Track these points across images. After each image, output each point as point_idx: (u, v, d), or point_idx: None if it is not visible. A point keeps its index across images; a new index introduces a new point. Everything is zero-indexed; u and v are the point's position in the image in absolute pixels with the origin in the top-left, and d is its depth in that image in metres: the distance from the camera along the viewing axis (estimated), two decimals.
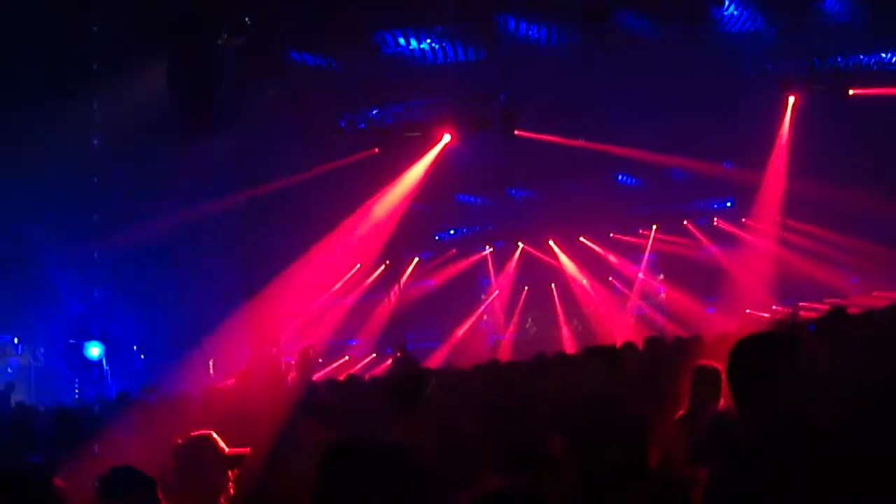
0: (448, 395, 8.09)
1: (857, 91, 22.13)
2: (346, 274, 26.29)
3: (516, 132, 21.60)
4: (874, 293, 24.58)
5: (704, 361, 6.77)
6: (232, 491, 5.29)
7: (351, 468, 3.14)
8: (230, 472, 5.29)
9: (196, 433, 5.55)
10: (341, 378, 12.94)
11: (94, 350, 20.56)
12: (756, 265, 26.67)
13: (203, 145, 18.43)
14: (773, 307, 25.25)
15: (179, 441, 5.48)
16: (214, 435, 5.50)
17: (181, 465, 5.27)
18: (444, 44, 19.53)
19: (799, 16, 20.37)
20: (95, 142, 18.39)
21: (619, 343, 11.52)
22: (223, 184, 19.85)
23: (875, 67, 22.23)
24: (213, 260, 20.16)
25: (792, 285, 26.78)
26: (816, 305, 22.18)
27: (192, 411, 8.71)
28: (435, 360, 23.52)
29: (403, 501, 3.05)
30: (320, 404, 6.91)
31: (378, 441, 3.58)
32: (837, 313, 9.48)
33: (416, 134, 22.31)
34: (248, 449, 5.46)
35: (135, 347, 21.54)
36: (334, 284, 25.89)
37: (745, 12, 19.91)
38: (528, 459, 4.72)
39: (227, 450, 5.41)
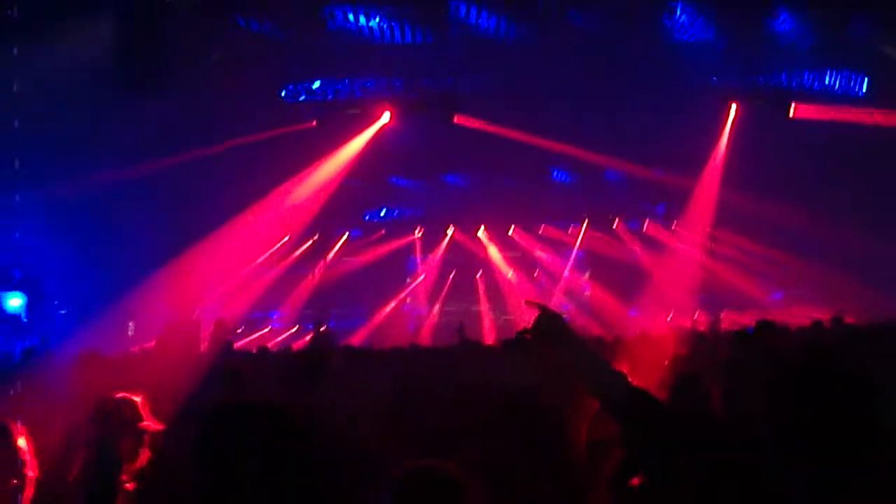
0: (362, 373, 8.08)
1: (799, 111, 22.40)
2: (273, 245, 26.11)
3: (456, 119, 21.59)
4: (794, 309, 24.94)
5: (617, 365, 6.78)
6: (139, 462, 5.24)
7: (229, 425, 3.04)
8: (142, 442, 5.26)
9: (122, 394, 5.49)
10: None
11: (14, 301, 20.20)
12: (682, 272, 26.90)
13: (142, 104, 18.20)
14: (696, 314, 25.53)
15: (105, 398, 5.41)
16: (138, 399, 5.46)
17: (99, 422, 5.20)
18: (392, 23, 19.42)
19: (748, 32, 20.58)
20: (15, 88, 17.95)
21: None
22: (159, 144, 19.58)
23: (817, 89, 22.53)
24: (143, 219, 19.90)
25: (716, 294, 27.12)
26: (737, 317, 22.48)
27: (105, 372, 8.57)
28: (356, 339, 23.46)
29: (283, 459, 2.95)
30: (231, 374, 6.82)
31: (260, 400, 3.49)
32: (764, 326, 9.60)
33: (356, 111, 22.21)
34: (162, 426, 5.42)
35: (56, 301, 21.21)
36: (261, 254, 25.70)
37: (696, 23, 20.06)
38: (439, 446, 4.67)
39: (145, 419, 5.37)
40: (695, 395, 5.23)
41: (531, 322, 4.15)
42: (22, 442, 4.91)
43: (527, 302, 4.56)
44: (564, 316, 4.13)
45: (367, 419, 5.65)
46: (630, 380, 4.51)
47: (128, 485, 5.04)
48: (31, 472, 4.87)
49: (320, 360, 6.39)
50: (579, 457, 4.91)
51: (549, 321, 4.00)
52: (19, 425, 4.96)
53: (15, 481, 4.76)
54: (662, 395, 5.29)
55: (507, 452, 4.03)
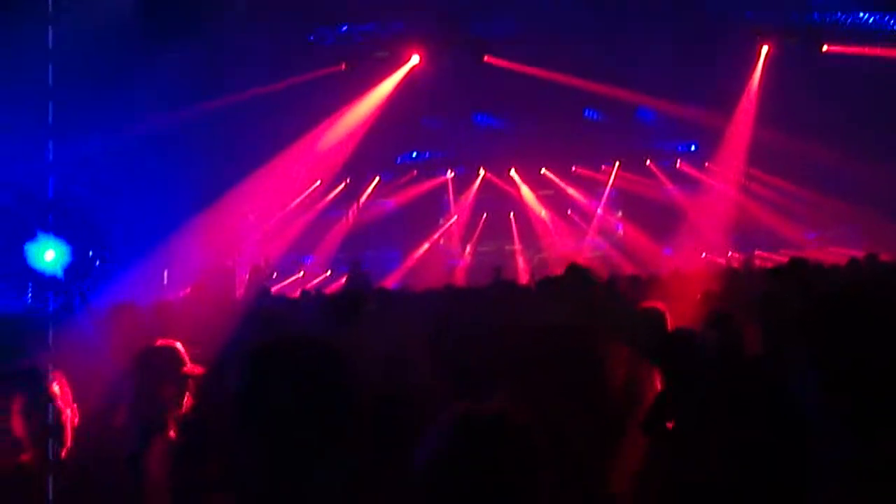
0: (398, 315, 8.12)
1: (832, 48, 22.16)
2: (305, 190, 26.17)
3: (486, 58, 21.49)
4: (830, 249, 24.83)
5: (651, 303, 6.79)
6: (183, 408, 5.30)
7: (273, 360, 3.00)
8: (185, 388, 5.31)
9: (162, 342, 5.54)
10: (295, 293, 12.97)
11: (49, 254, 20.33)
12: (715, 211, 26.79)
13: (171, 52, 18.20)
14: (730, 253, 25.47)
15: (146, 346, 5.47)
16: (179, 346, 5.50)
17: (141, 371, 5.25)
18: None
19: None
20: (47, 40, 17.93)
21: None
22: (187, 93, 19.59)
23: (851, 26, 22.24)
24: (175, 168, 19.96)
25: (749, 233, 27.03)
26: (772, 255, 22.39)
27: (142, 321, 8.65)
28: (390, 281, 23.57)
29: (332, 395, 2.94)
30: (269, 317, 6.86)
31: (304, 336, 3.48)
32: (798, 262, 9.57)
33: (385, 53, 22.12)
34: (203, 369, 5.46)
35: (91, 252, 21.35)
36: (293, 199, 25.78)
37: None
38: (476, 386, 4.70)
39: (187, 365, 5.42)
40: (727, 331, 5.23)
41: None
42: (56, 388, 4.94)
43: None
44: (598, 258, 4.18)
45: (405, 359, 5.69)
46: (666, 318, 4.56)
47: (171, 432, 5.11)
48: (66, 418, 4.90)
49: (356, 302, 6.42)
50: (615, 398, 4.93)
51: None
52: (55, 371, 5.00)
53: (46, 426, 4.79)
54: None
55: (543, 392, 4.04)
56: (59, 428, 4.83)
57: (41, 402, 4.81)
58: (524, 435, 2.85)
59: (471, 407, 2.91)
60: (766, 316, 4.42)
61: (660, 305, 6.36)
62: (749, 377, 2.89)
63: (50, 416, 4.83)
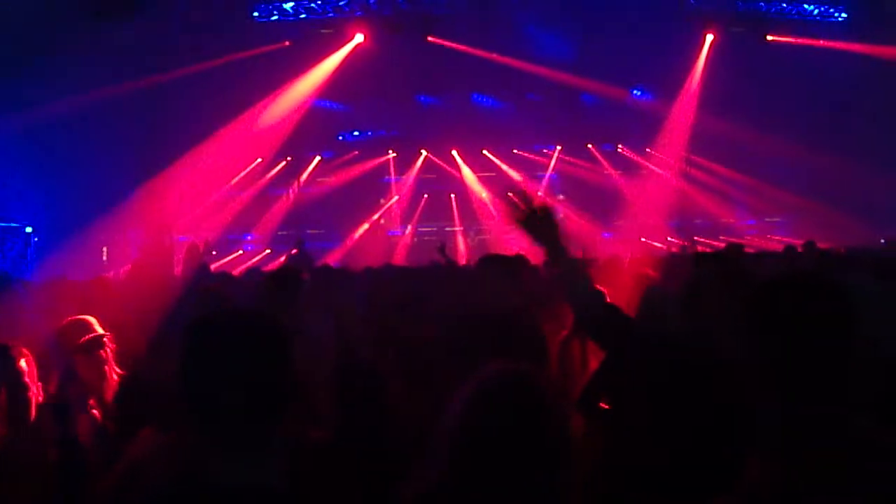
0: (339, 292, 8.11)
1: (775, 38, 22.39)
2: (246, 167, 25.99)
3: (430, 38, 21.47)
4: (769, 236, 25.12)
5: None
6: (114, 377, 5.26)
7: (213, 336, 2.97)
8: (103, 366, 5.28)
9: (74, 317, 5.50)
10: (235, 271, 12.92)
11: None
12: (655, 196, 26.99)
13: (114, 27, 18.02)
14: (669, 238, 25.67)
15: (61, 324, 5.43)
16: (90, 319, 5.46)
17: (58, 348, 5.21)
18: None
19: None
20: None
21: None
22: (131, 67, 19.40)
23: (796, 17, 22.47)
24: (115, 143, 19.76)
25: (691, 220, 27.27)
26: (712, 242, 22.60)
27: (76, 297, 8.57)
28: (330, 260, 23.48)
29: (271, 368, 2.94)
30: (208, 295, 6.83)
31: (245, 311, 3.49)
32: (735, 248, 9.67)
33: (330, 31, 22.02)
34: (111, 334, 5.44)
35: (27, 228, 21.08)
36: (233, 176, 25.59)
37: None
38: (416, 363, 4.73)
39: (101, 332, 5.38)
40: (661, 315, 5.28)
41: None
42: (23, 364, 4.89)
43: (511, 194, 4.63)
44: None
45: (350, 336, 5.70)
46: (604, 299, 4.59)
47: (94, 410, 5.06)
48: (31, 395, 4.85)
49: (294, 279, 6.41)
50: (552, 376, 4.97)
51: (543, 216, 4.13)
52: (21, 347, 4.95)
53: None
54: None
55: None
56: (25, 404, 4.78)
57: (10, 378, 4.76)
58: (550, 388, 3.02)
59: (509, 368, 3.03)
60: (693, 299, 4.47)
61: (598, 287, 6.40)
62: (678, 358, 2.90)
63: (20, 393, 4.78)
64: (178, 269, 10.67)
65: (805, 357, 2.34)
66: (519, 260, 8.53)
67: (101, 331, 5.40)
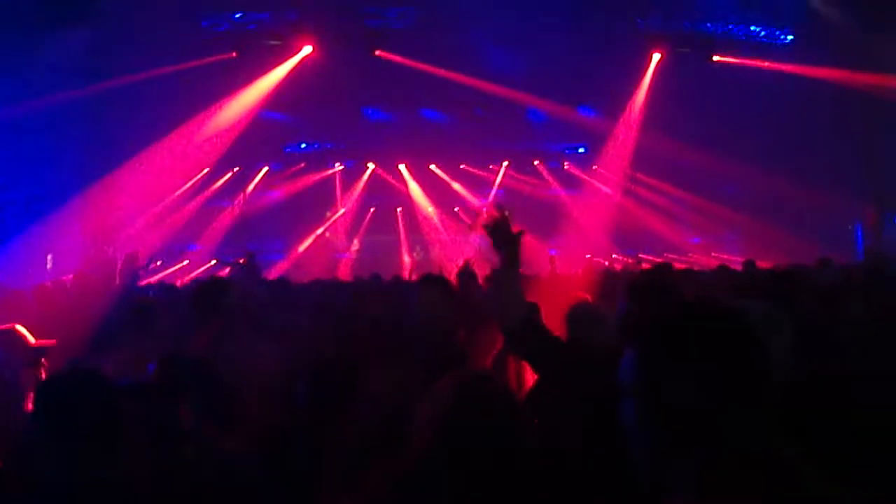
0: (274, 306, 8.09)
1: (721, 58, 22.64)
2: (191, 177, 25.83)
3: (378, 52, 21.49)
4: (713, 254, 25.35)
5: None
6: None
7: (57, 396, 3.25)
8: (41, 361, 5.25)
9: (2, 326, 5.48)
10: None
11: None
12: (600, 213, 27.17)
13: (60, 32, 17.89)
14: (613, 255, 25.83)
15: None
16: (18, 327, 5.42)
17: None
18: None
19: None
20: None
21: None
22: (76, 73, 19.23)
23: (742, 38, 22.72)
24: (59, 149, 19.57)
25: (635, 236, 27.46)
26: (656, 259, 22.76)
27: (22, 307, 8.50)
28: (275, 273, 23.40)
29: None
30: (140, 308, 6.78)
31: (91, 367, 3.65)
32: (663, 267, 9.76)
33: (278, 42, 21.95)
34: (54, 340, 5.41)
35: None
36: (179, 186, 25.42)
37: None
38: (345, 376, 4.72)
39: (33, 341, 5.35)
40: (589, 334, 5.32)
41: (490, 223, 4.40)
42: None
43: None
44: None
45: (268, 353, 5.67)
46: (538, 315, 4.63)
47: None
48: None
49: (217, 292, 6.36)
50: None
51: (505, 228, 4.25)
52: None
53: None
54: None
55: (409, 384, 4.10)
56: None
57: None
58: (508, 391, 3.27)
59: (473, 375, 3.32)
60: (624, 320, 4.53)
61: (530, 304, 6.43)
62: (602, 377, 2.92)
63: None
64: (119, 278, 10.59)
65: (713, 399, 2.29)
66: (465, 273, 8.57)
67: (28, 342, 5.37)
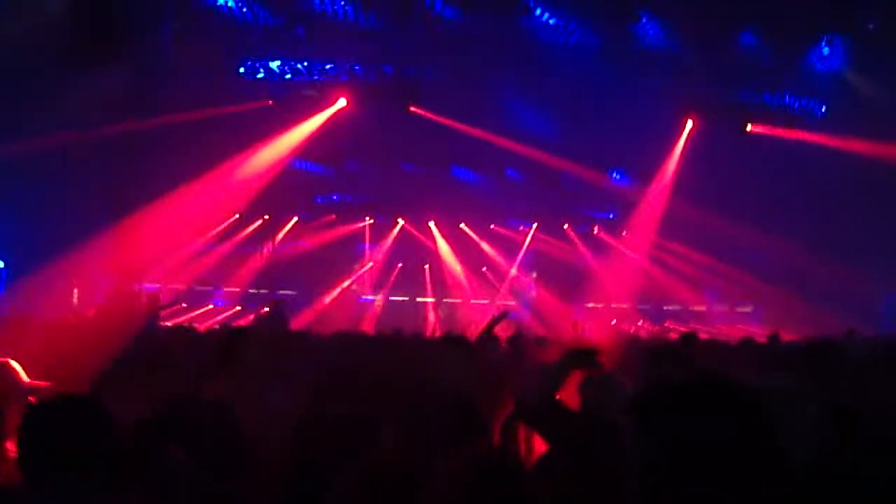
0: (299, 360, 8.02)
1: (755, 128, 22.60)
2: (221, 221, 25.89)
3: (411, 108, 21.54)
4: (738, 325, 25.14)
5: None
6: None
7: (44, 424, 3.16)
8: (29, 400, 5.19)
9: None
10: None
11: None
12: (627, 279, 27.07)
13: (98, 71, 18.03)
14: (640, 322, 25.69)
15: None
16: (12, 363, 5.39)
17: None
18: (357, 6, 19.36)
19: (712, 45, 20.64)
20: None
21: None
22: (112, 111, 19.36)
23: (776, 108, 22.70)
24: (90, 186, 19.69)
25: (661, 304, 27.33)
26: (682, 328, 22.58)
27: (38, 336, 8.47)
28: (299, 322, 23.36)
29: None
30: (155, 348, 6.74)
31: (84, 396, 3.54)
32: (689, 338, 9.65)
33: (313, 93, 22.06)
34: (49, 383, 5.36)
35: (0, 264, 20.91)
36: (209, 230, 25.47)
37: (661, 31, 20.11)
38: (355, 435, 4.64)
39: (25, 380, 5.31)
40: (601, 405, 5.23)
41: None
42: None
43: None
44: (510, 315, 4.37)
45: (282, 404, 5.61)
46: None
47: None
48: None
49: (235, 342, 6.32)
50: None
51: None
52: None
53: None
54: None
55: (423, 447, 4.00)
56: None
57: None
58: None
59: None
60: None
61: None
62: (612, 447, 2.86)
63: None
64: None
65: (717, 479, 2.20)
66: (487, 334, 8.49)
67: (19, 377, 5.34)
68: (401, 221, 30.25)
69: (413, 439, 4.08)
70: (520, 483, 3.02)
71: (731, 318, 27.88)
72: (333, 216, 29.42)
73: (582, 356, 4.43)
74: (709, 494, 2.17)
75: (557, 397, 4.44)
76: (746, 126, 22.73)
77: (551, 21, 19.82)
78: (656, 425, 2.30)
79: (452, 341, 6.83)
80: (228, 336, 6.57)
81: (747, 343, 11.34)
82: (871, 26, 19.58)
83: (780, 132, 22.60)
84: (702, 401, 2.29)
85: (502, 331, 9.98)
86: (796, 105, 22.75)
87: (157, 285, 23.70)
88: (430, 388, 5.53)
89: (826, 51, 20.88)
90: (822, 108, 22.66)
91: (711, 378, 2.41)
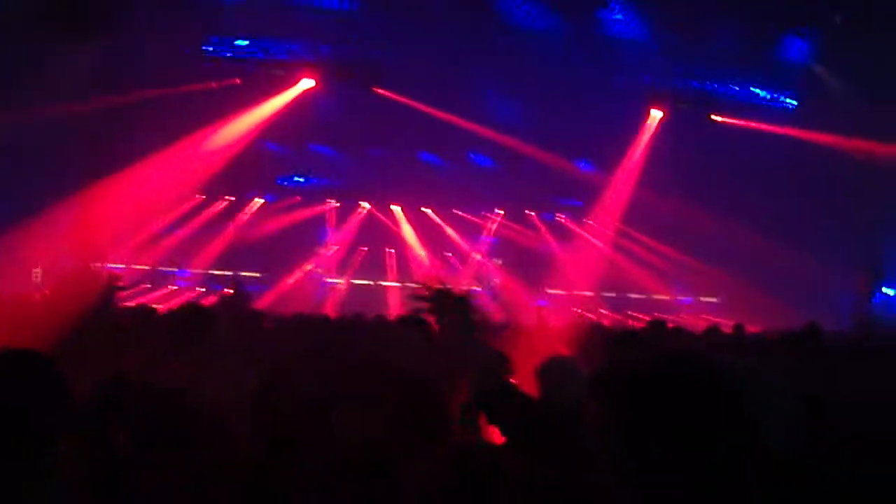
0: (261, 341, 7.97)
1: (722, 119, 22.67)
2: (185, 199, 25.70)
3: (376, 89, 21.44)
4: (703, 316, 25.24)
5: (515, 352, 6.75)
6: None
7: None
8: None
9: None
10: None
11: None
12: (592, 267, 27.12)
13: (64, 48, 17.87)
14: (602, 311, 25.74)
15: None
16: None
17: None
18: None
19: (681, 35, 20.66)
20: None
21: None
22: (76, 88, 19.16)
23: (744, 100, 22.78)
24: (51, 165, 19.49)
25: (624, 292, 27.39)
26: (645, 317, 22.64)
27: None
28: (261, 304, 23.26)
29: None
30: (111, 328, 6.65)
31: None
32: (656, 325, 9.64)
33: (280, 73, 21.91)
34: None
35: None
36: (172, 207, 25.28)
37: (630, 20, 20.09)
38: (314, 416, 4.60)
39: None
40: (562, 389, 5.19)
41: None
42: None
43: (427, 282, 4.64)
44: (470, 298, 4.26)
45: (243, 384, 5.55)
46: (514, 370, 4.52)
47: None
48: None
49: (200, 322, 6.24)
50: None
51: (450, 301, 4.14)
52: None
53: None
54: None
55: (382, 427, 3.96)
56: None
57: None
58: None
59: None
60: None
61: (520, 356, 6.32)
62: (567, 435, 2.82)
63: None
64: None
65: (688, 456, 2.14)
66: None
67: None
68: (365, 205, 30.15)
69: (372, 419, 4.03)
70: (494, 472, 2.96)
71: (695, 309, 27.99)
72: (298, 198, 29.29)
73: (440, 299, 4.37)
74: (676, 475, 2.11)
75: (514, 382, 4.40)
76: (713, 117, 22.79)
77: (519, 5, 19.75)
78: (621, 402, 2.24)
79: (411, 322, 6.77)
80: (188, 315, 6.48)
81: (713, 331, 11.37)
82: (838, 20, 19.63)
83: (748, 123, 22.69)
84: (669, 377, 2.23)
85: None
86: (764, 97, 22.83)
87: (121, 265, 23.54)
88: (389, 367, 5.48)
89: (794, 43, 20.95)
90: (790, 100, 22.74)
91: (678, 356, 2.35)
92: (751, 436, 2.17)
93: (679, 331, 12.01)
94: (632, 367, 2.31)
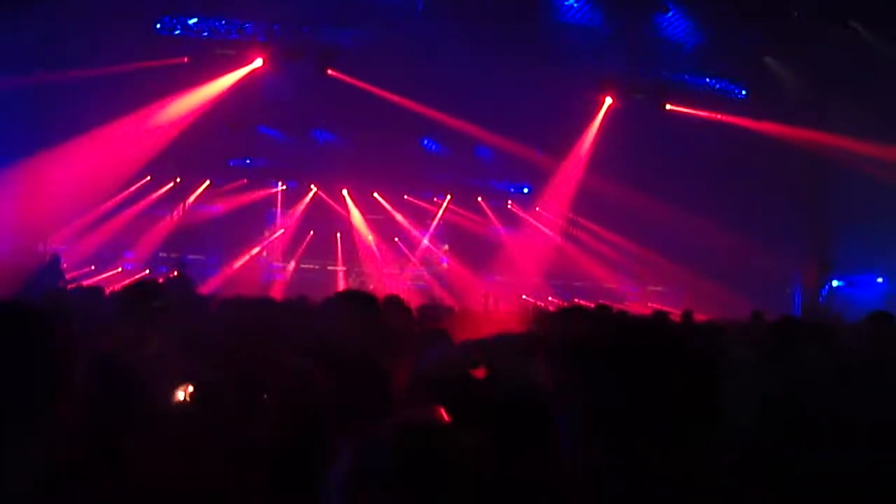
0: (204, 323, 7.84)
1: (674, 107, 22.72)
2: (130, 177, 25.35)
3: (329, 72, 21.27)
4: (648, 304, 25.35)
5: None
6: None
7: None
8: None
9: None
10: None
11: None
12: (539, 254, 27.16)
13: (7, 23, 17.59)
14: (549, 298, 25.79)
15: None
16: None
17: None
18: None
19: (635, 23, 20.69)
20: None
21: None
22: (19, 62, 18.86)
23: (696, 89, 22.85)
24: None
25: (572, 280, 27.45)
26: (591, 304, 22.71)
27: None
28: (207, 288, 23.06)
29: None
30: (47, 306, 6.49)
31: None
32: (603, 308, 9.62)
33: (231, 52, 21.66)
34: None
35: None
36: (117, 185, 24.93)
37: (584, 7, 20.07)
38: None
39: None
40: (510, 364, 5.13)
41: None
42: None
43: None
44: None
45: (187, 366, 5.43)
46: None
47: None
48: None
49: (145, 295, 6.13)
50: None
51: None
52: None
53: None
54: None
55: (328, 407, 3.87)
56: None
57: None
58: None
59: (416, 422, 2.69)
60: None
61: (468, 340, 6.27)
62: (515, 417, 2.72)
63: None
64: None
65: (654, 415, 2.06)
66: (392, 301, 8.34)
67: None
68: (314, 188, 29.97)
69: (317, 399, 3.94)
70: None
71: (642, 297, 28.11)
72: (245, 180, 29.04)
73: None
74: (639, 446, 2.03)
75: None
76: (665, 105, 22.85)
77: None
78: (583, 370, 2.15)
79: (350, 296, 6.67)
80: (134, 286, 6.36)
81: (660, 317, 11.40)
82: (795, 14, 19.71)
83: (699, 113, 22.78)
84: (634, 342, 2.14)
85: (413, 301, 9.88)
86: (716, 86, 22.93)
87: (64, 247, 23.22)
88: (333, 345, 5.40)
89: (747, 35, 21.04)
90: (742, 90, 22.87)
91: (643, 322, 2.28)
92: (716, 405, 2.09)
93: (625, 314, 12.04)
94: (592, 334, 2.22)
